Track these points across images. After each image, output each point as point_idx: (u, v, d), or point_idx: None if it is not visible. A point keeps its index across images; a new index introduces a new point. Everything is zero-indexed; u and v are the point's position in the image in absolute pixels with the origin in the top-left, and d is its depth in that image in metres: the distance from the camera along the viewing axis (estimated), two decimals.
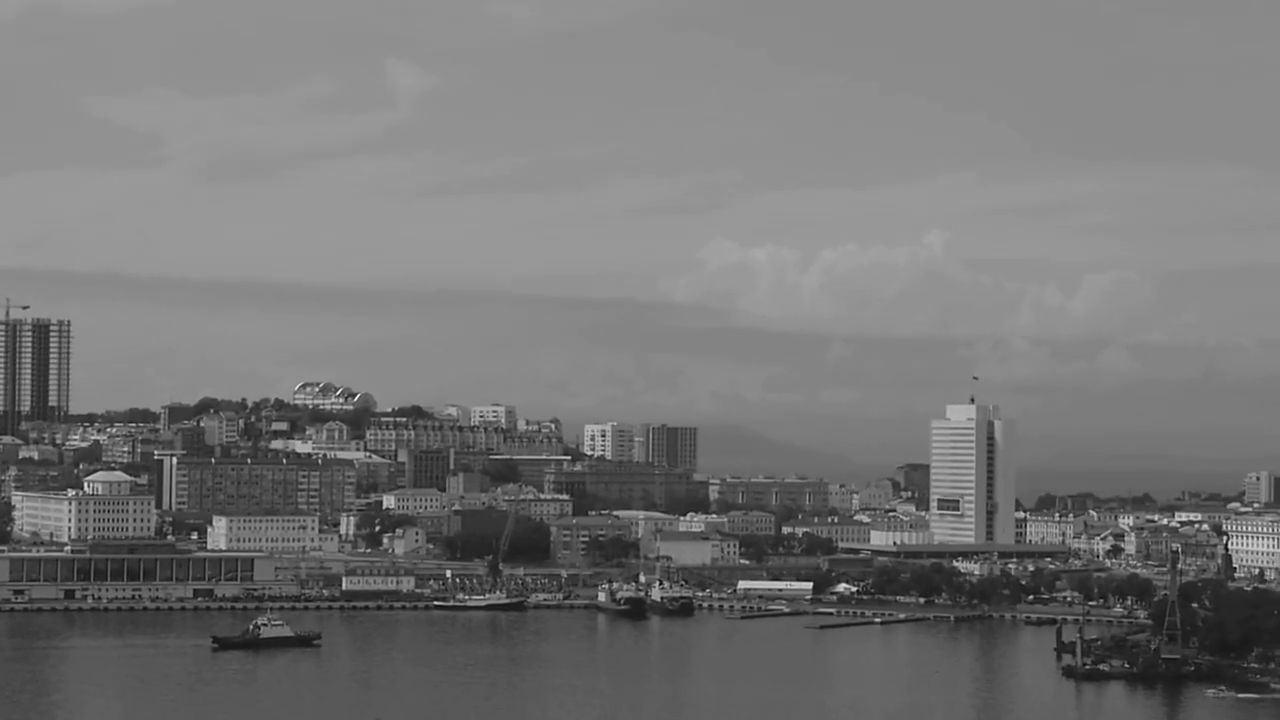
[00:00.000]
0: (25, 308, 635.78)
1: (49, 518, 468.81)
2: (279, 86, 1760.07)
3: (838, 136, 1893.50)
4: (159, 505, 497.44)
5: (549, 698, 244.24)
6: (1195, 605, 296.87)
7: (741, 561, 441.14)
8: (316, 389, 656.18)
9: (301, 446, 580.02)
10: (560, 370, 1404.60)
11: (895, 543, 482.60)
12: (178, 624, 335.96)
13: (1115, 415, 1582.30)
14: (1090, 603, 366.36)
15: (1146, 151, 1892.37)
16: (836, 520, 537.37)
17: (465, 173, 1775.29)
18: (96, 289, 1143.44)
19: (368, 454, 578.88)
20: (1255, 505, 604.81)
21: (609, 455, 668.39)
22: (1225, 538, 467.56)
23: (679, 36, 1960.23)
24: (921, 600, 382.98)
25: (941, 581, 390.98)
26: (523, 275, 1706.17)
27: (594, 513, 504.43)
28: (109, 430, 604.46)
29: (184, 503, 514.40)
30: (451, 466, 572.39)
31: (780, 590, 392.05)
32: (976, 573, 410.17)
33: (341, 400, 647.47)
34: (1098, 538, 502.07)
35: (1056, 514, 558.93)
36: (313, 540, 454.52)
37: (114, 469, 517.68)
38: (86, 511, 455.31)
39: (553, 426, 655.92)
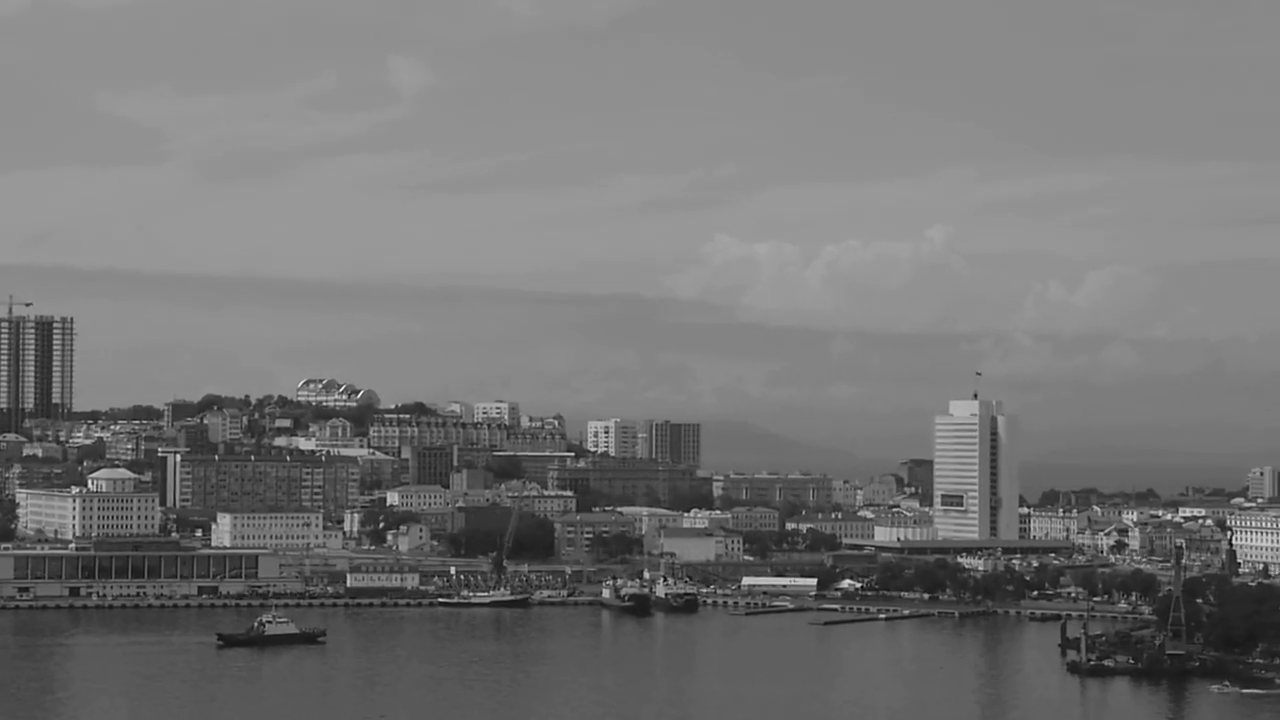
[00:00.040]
0: (28, 305, 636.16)
1: (53, 515, 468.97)
2: (282, 83, 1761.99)
3: (840, 132, 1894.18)
4: (163, 502, 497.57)
5: (553, 694, 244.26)
6: (1200, 601, 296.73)
7: (745, 558, 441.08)
8: (320, 386, 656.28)
9: (305, 443, 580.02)
10: (564, 366, 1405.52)
11: (899, 539, 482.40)
12: (182, 621, 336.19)
13: (1118, 410, 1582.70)
14: (1094, 598, 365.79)
15: (1148, 146, 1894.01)
16: (840, 516, 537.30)
17: (468, 169, 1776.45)
18: (100, 286, 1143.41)
19: (371, 451, 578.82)
20: (1259, 500, 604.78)
21: (613, 451, 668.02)
22: (1229, 533, 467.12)
23: (681, 32, 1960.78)
24: (926, 596, 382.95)
25: (946, 577, 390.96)
26: (526, 271, 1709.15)
27: (598, 509, 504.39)
28: (113, 427, 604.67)
29: (188, 500, 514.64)
30: (455, 463, 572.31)
31: (784, 586, 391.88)
32: (980, 569, 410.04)
33: (345, 397, 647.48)
34: (1102, 533, 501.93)
35: (1060, 509, 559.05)
36: (317, 537, 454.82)
37: (118, 466, 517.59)
38: (91, 509, 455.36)
39: (556, 423, 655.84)
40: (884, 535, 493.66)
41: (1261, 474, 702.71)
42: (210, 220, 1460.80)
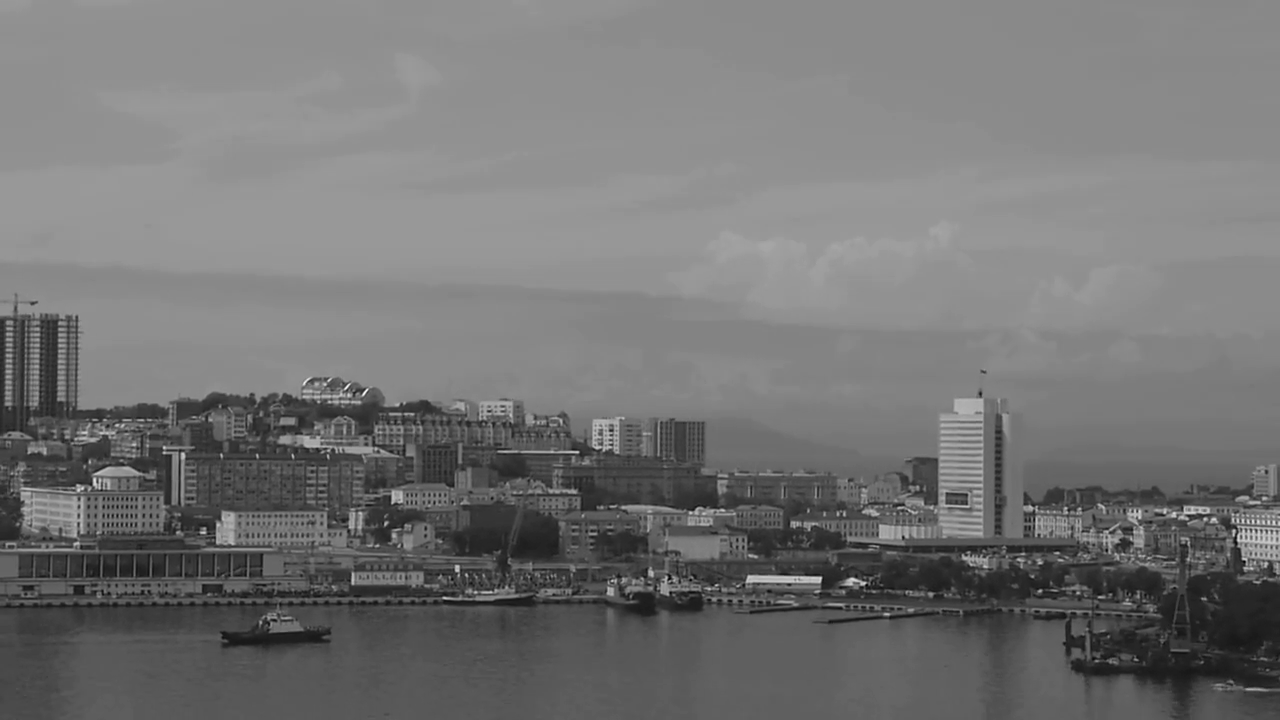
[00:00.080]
0: (33, 303, 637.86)
1: (58, 513, 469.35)
2: (288, 81, 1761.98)
3: (842, 131, 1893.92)
4: (168, 501, 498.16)
5: (558, 692, 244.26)
6: (1204, 599, 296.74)
7: (750, 556, 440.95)
8: (324, 384, 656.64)
9: (310, 441, 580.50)
10: (568, 364, 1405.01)
11: (904, 537, 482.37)
12: (187, 619, 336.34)
13: (1123, 408, 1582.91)
14: (1099, 597, 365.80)
15: (1152, 144, 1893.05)
16: (845, 514, 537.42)
17: (474, 167, 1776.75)
18: (104, 284, 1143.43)
19: (376, 449, 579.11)
20: (1264, 498, 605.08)
21: (617, 449, 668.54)
22: (1234, 531, 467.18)
23: (686, 30, 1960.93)
24: (930, 594, 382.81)
25: (950, 575, 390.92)
26: (531, 269, 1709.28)
27: (602, 507, 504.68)
28: (117, 426, 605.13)
29: (193, 498, 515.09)
30: (460, 461, 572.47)
31: (789, 585, 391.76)
32: (985, 567, 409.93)
33: (350, 395, 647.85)
34: (1106, 531, 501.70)
35: (1065, 507, 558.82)
36: (321, 535, 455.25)
37: (123, 464, 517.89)
38: (95, 507, 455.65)
39: (561, 421, 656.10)
40: (888, 533, 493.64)
41: (1267, 472, 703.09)
42: (215, 218, 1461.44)
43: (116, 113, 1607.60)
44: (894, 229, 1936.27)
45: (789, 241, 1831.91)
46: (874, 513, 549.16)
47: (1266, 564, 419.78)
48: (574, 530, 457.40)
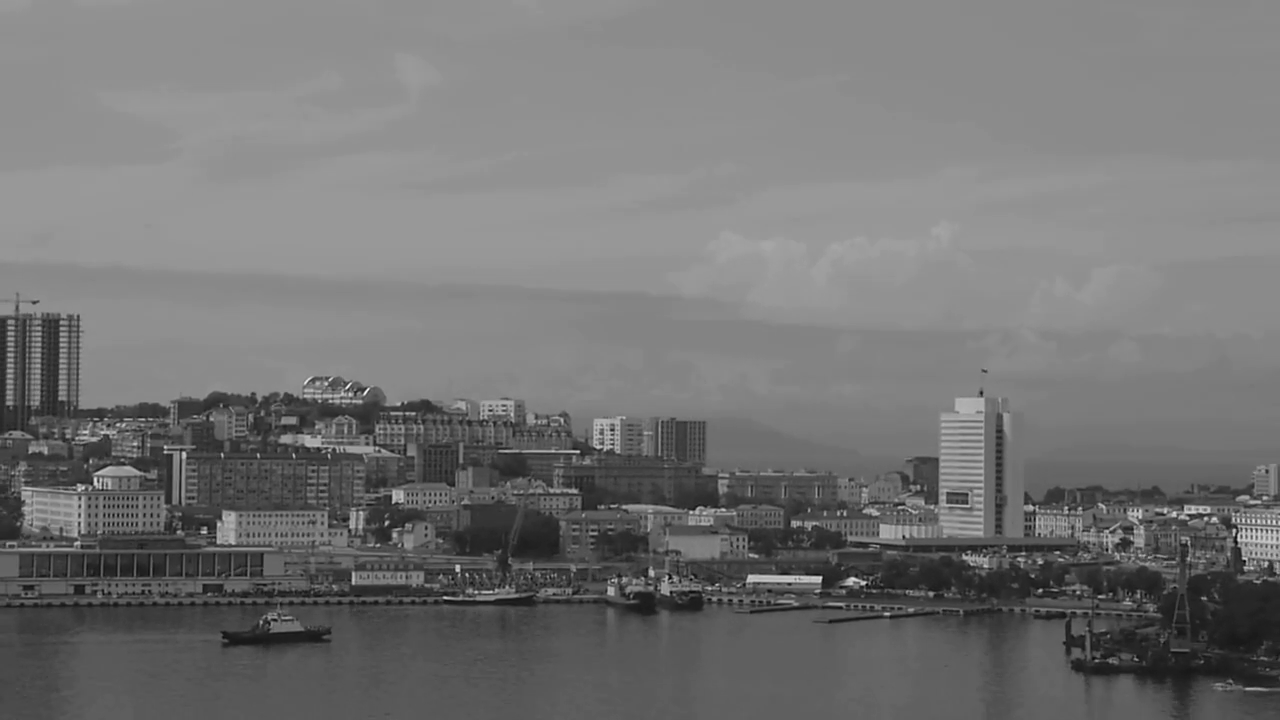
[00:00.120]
0: (35, 302, 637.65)
1: (59, 513, 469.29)
2: (288, 81, 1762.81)
3: (842, 131, 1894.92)
4: (168, 500, 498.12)
5: (558, 692, 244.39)
6: (1204, 598, 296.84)
7: (750, 555, 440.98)
8: (325, 383, 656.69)
9: (311, 441, 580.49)
10: (569, 364, 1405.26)
11: (904, 536, 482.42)
12: (187, 619, 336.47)
13: (1124, 407, 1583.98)
14: (1099, 596, 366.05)
15: (1152, 144, 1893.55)
16: (845, 514, 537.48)
17: (474, 167, 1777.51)
18: (105, 284, 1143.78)
19: (377, 448, 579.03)
20: (1265, 498, 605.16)
21: (618, 449, 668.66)
22: (1234, 530, 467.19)
23: (686, 30, 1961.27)
24: (930, 594, 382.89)
25: (950, 575, 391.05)
26: (531, 269, 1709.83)
27: (603, 507, 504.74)
28: (118, 425, 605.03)
29: (193, 498, 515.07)
30: (460, 461, 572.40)
31: (789, 584, 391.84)
32: (985, 566, 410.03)
33: (350, 394, 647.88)
34: (1107, 531, 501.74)
35: (1065, 507, 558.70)
36: (322, 535, 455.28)
37: (123, 464, 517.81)
38: (96, 506, 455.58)
39: (561, 420, 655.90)
40: (889, 533, 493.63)
41: (1267, 471, 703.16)
42: (216, 218, 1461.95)
43: (116, 113, 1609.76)
44: (894, 229, 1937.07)
45: (789, 241, 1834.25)
46: (874, 512, 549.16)
47: (1266, 564, 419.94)
48: (574, 530, 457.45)
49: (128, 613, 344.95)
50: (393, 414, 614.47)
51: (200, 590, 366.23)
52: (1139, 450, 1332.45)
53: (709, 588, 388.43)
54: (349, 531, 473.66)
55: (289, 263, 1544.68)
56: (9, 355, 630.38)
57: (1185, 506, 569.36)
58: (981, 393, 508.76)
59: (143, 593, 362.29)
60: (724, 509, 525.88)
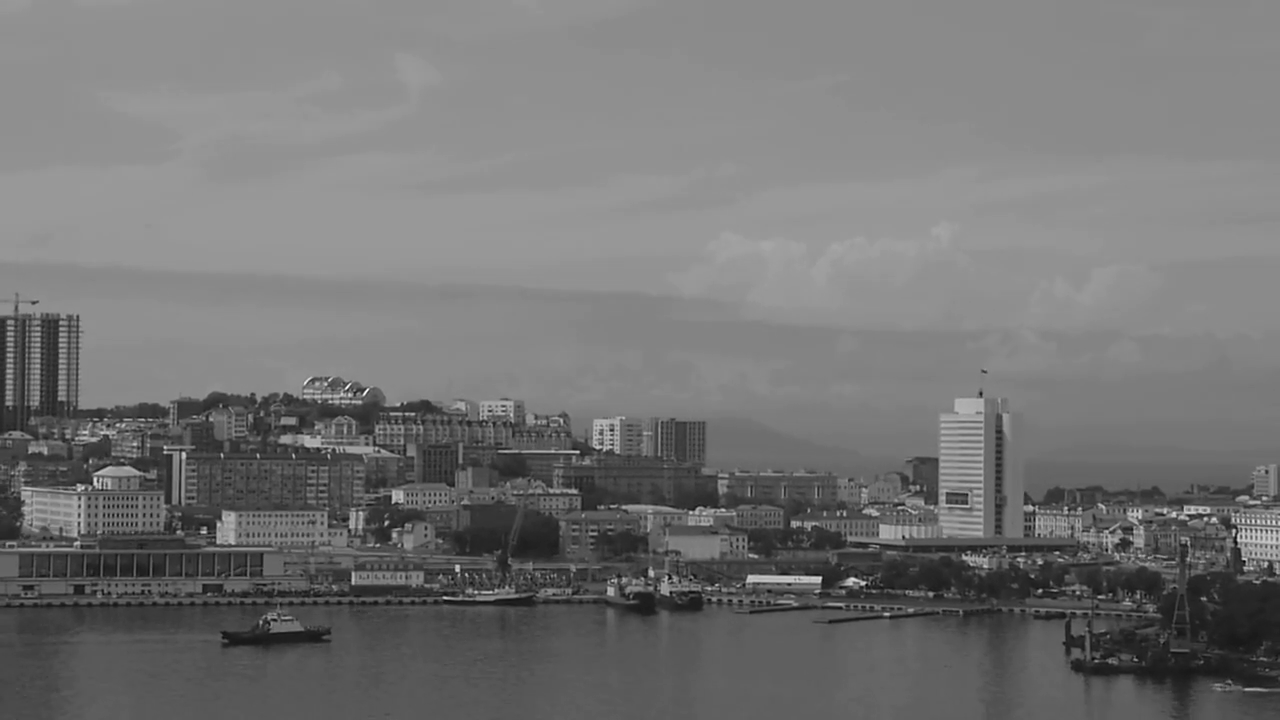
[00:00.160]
0: (34, 303, 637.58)
1: (58, 513, 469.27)
2: (288, 81, 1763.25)
3: (845, 129, 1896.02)
4: (168, 500, 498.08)
5: (558, 693, 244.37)
6: (1204, 599, 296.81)
7: (750, 556, 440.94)
8: (325, 384, 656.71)
9: (310, 441, 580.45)
10: (569, 364, 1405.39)
11: (904, 537, 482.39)
12: (187, 619, 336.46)
13: (1124, 408, 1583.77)
14: (1099, 596, 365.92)
15: (1152, 144, 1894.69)
16: (845, 514, 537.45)
17: (474, 167, 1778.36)
18: (105, 284, 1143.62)
19: (377, 449, 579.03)
20: (1264, 498, 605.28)
21: (618, 449, 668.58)
22: (1234, 531, 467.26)
23: (686, 31, 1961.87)
24: (930, 594, 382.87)
25: (950, 575, 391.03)
26: (531, 269, 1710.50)
27: (603, 507, 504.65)
28: (118, 425, 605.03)
29: (193, 498, 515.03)
30: (460, 461, 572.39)
31: (789, 585, 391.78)
32: (985, 566, 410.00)
33: (350, 395, 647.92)
34: (1106, 531, 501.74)
35: (1065, 507, 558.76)
36: (322, 535, 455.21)
37: (123, 464, 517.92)
38: (96, 507, 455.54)
39: (561, 421, 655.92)
40: (889, 533, 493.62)
41: (1267, 472, 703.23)
42: (216, 218, 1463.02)
43: (116, 113, 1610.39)
44: (894, 229, 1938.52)
45: (789, 241, 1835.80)
46: (874, 512, 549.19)
47: (1266, 564, 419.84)
48: (574, 530, 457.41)
49: (128, 613, 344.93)
50: (392, 414, 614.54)
51: (200, 590, 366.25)
52: (1139, 450, 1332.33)
53: (709, 588, 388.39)
54: (349, 532, 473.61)
55: (289, 263, 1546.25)
56: (9, 355, 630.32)
57: (1185, 507, 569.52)
58: (981, 393, 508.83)
59: (142, 593, 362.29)
60: (724, 509, 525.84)
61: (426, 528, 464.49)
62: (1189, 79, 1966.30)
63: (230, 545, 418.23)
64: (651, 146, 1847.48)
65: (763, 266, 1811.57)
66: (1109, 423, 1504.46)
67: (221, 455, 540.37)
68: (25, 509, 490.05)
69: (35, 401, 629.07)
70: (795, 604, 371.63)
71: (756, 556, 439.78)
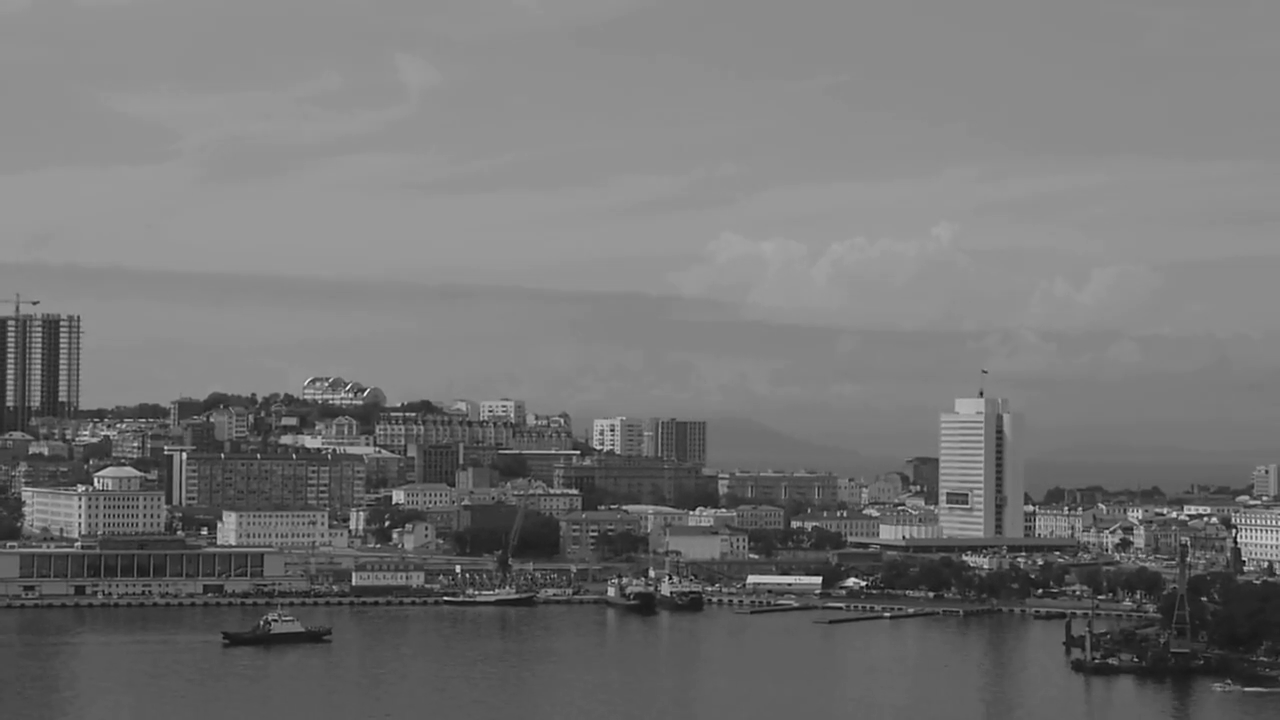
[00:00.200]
0: (35, 303, 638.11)
1: (59, 513, 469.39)
2: (288, 81, 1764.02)
3: (845, 129, 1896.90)
4: (169, 501, 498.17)
5: (558, 693, 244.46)
6: (1204, 599, 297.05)
7: (750, 556, 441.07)
8: (326, 384, 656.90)
9: (311, 441, 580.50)
10: (569, 365, 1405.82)
11: (904, 537, 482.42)
12: (188, 619, 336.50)
13: (1124, 408, 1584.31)
14: (1099, 597, 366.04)
15: (1152, 144, 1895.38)
16: (845, 514, 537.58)
17: (474, 167, 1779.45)
18: (106, 284, 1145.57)
19: (377, 449, 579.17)
20: (1264, 498, 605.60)
21: (618, 449, 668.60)
22: (1234, 531, 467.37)
23: (686, 31, 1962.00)
24: (930, 594, 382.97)
25: (950, 576, 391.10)
26: (532, 269, 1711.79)
27: (603, 507, 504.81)
28: (119, 426, 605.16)
29: (194, 498, 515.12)
30: (461, 461, 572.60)
31: (789, 585, 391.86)
32: (985, 567, 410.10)
33: (351, 395, 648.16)
34: (1107, 531, 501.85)
35: (1065, 507, 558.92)
36: (322, 536, 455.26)
37: (124, 464, 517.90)
38: (96, 507, 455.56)
39: (562, 421, 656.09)
40: (889, 533, 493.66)
41: (1267, 471, 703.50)
42: (216, 218, 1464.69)
43: (117, 113, 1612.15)
44: (894, 229, 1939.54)
45: (789, 241, 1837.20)
46: (874, 513, 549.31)
47: (1266, 564, 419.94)
48: (575, 530, 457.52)
49: (128, 613, 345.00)
50: (393, 414, 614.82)
51: (200, 591, 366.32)
52: (1139, 450, 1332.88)
53: (709, 588, 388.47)
54: (349, 532, 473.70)
55: (289, 263, 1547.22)
56: (9, 356, 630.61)
57: (1185, 507, 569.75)
58: (981, 393, 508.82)
59: (143, 593, 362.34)
60: (724, 509, 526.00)
61: (427, 528, 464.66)
62: (1189, 79, 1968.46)
63: (231, 546, 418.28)
64: (651, 146, 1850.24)
65: (763, 266, 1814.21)
66: (1109, 423, 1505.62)
67: (222, 456, 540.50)
68: (26, 509, 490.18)
69: (36, 402, 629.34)
70: (795, 604, 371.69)
71: (757, 557, 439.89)
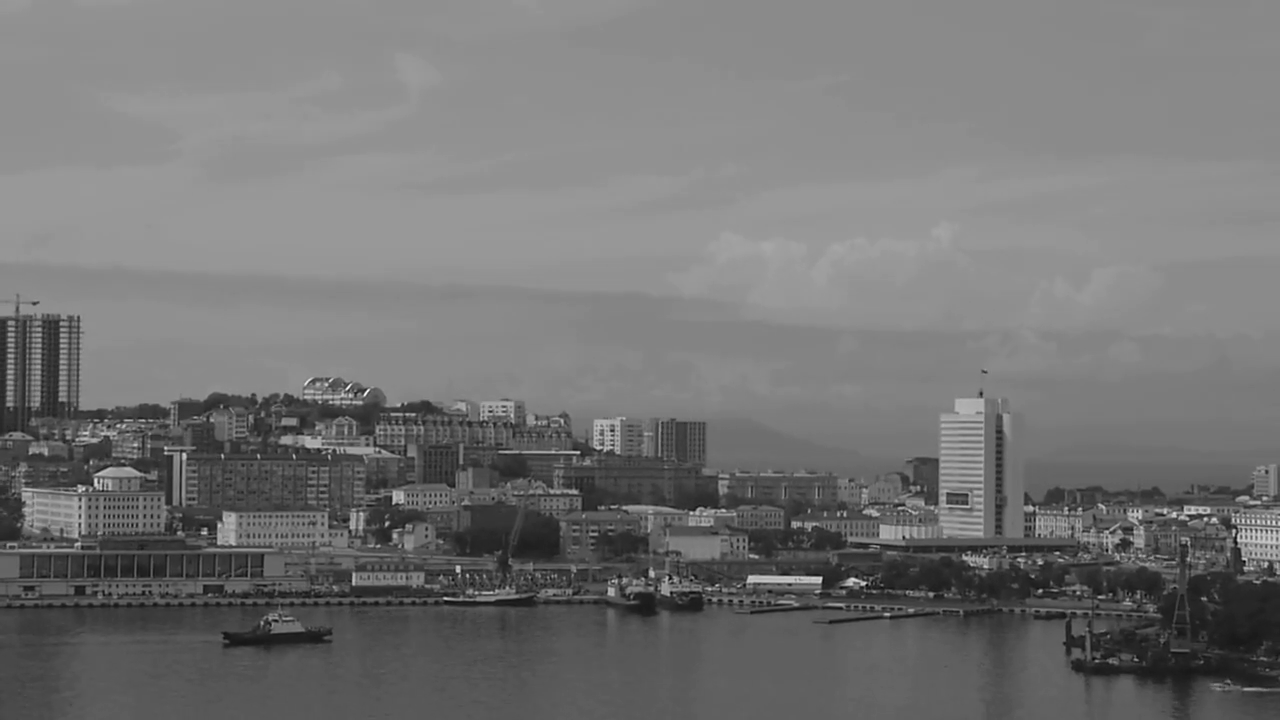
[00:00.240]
0: (35, 303, 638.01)
1: (59, 514, 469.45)
2: (288, 81, 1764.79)
3: (845, 130, 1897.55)
4: (169, 501, 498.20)
5: (558, 693, 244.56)
6: (1204, 599, 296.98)
7: (751, 556, 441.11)
8: (326, 384, 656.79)
9: (311, 442, 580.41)
10: (569, 365, 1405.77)
11: (904, 537, 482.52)
12: (188, 620, 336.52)
13: (1124, 408, 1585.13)
14: (1099, 597, 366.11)
15: (1152, 144, 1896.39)
16: (845, 515, 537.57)
17: (473, 167, 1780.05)
18: (106, 284, 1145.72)
19: (377, 449, 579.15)
20: (1264, 498, 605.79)
21: (618, 450, 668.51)
22: (1234, 531, 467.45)
23: (686, 31, 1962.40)
24: (930, 595, 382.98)
25: (950, 576, 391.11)
26: (532, 270, 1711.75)
27: (603, 507, 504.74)
28: (119, 426, 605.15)
29: (194, 498, 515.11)
30: (461, 461, 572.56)
31: (789, 585, 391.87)
32: (985, 567, 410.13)
33: (351, 395, 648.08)
34: (1107, 531, 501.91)
35: (1065, 507, 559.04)
36: (322, 536, 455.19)
37: (124, 465, 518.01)
38: (96, 507, 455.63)
39: (562, 421, 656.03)
40: (889, 534, 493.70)
41: (1267, 472, 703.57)
42: (216, 218, 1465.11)
43: (117, 113, 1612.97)
44: (894, 229, 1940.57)
45: (789, 242, 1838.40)
46: (874, 513, 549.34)
47: (1266, 564, 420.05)
48: (575, 530, 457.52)
49: (128, 614, 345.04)
50: (393, 415, 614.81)
51: (201, 591, 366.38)
52: (1139, 450, 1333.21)
53: (709, 588, 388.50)
54: (349, 532, 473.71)
55: (289, 263, 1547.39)
56: (9, 356, 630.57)
57: (1185, 507, 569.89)
58: (981, 393, 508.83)
59: (143, 594, 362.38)
60: (724, 510, 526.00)
61: (427, 528, 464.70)
62: (1189, 79, 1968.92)
63: (231, 546, 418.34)
64: (651, 146, 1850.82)
65: (763, 267, 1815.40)
66: (1109, 423, 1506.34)
67: (222, 456, 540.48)
68: (26, 510, 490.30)
69: (36, 402, 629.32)
70: (796, 604, 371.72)
71: (757, 557, 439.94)
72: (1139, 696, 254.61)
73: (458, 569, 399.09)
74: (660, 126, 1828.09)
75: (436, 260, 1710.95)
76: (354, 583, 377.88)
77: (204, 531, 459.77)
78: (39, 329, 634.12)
